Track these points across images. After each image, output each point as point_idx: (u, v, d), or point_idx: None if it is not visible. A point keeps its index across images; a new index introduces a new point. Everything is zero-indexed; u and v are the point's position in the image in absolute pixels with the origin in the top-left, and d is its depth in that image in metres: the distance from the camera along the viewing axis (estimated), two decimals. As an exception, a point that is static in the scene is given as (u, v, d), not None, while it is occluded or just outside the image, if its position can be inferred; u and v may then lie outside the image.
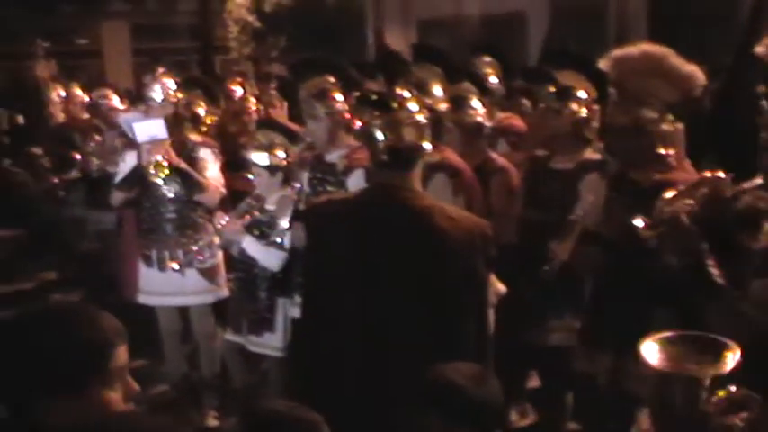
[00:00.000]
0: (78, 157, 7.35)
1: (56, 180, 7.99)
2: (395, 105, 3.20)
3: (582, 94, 4.39)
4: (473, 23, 12.57)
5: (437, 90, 4.59)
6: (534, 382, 5.07)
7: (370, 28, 13.80)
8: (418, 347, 2.92)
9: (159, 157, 4.85)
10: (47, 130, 8.67)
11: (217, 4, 14.42)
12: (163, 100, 5.18)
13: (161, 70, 5.36)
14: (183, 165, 5.04)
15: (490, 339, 3.09)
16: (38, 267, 9.29)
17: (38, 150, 8.80)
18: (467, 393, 2.43)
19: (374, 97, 3.51)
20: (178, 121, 5.22)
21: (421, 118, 3.19)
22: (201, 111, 5.52)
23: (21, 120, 11.10)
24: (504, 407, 2.62)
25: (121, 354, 1.86)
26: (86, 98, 8.20)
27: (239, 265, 4.66)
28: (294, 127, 5.18)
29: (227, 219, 4.61)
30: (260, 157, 4.64)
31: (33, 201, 9.35)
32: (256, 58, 13.63)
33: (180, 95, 5.28)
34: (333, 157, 4.49)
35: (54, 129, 8.44)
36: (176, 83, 5.35)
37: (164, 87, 5.20)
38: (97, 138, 7.33)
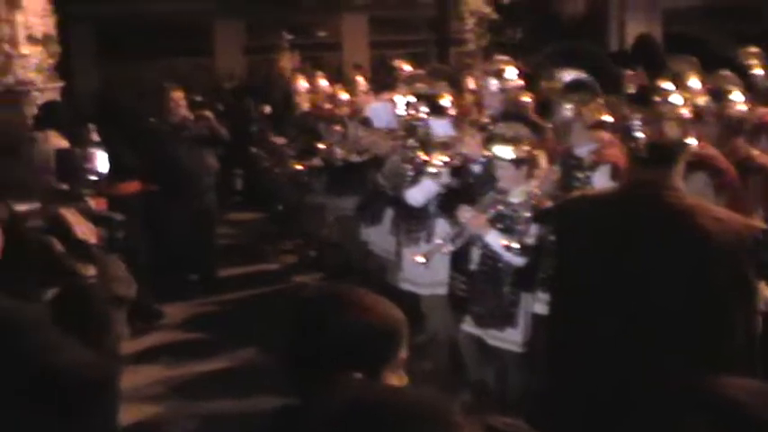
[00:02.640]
0: (321, 145, 7.58)
1: (299, 167, 8.29)
2: (656, 99, 3.03)
3: None
4: (720, 11, 11.90)
5: (694, 82, 4.35)
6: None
7: (613, 18, 13.38)
8: (680, 355, 2.76)
9: None
10: (292, 120, 9.01)
11: (454, -4, 14.52)
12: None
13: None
14: None
15: (758, 350, 2.87)
16: (280, 250, 9.72)
17: (283, 139, 9.20)
18: (751, 411, 2.18)
19: (632, 90, 3.37)
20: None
21: (685, 112, 3.01)
22: (447, 101, 5.51)
23: (267, 109, 11.62)
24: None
25: (404, 343, 1.89)
26: (330, 89, 8.49)
27: (484, 258, 4.60)
28: (539, 120, 5.07)
29: (471, 212, 4.56)
30: (504, 150, 4.55)
31: (278, 187, 9.79)
32: (492, 50, 13.58)
33: None
34: (582, 151, 4.36)
35: (299, 118, 8.77)
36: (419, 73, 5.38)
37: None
38: (339, 127, 7.54)
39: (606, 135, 4.30)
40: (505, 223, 4.46)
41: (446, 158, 4.98)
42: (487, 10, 13.94)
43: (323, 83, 8.75)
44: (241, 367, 6.28)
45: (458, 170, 5.09)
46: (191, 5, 16.21)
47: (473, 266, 4.67)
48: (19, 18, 7.79)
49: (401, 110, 5.87)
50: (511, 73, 5.24)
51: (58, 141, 4.26)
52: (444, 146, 5.14)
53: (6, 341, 2.52)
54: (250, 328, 6.83)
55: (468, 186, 5.03)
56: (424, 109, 5.45)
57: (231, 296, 8.15)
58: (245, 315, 7.45)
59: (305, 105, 8.88)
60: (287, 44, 13.76)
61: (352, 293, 1.93)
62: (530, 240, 4.35)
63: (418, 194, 5.34)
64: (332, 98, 8.26)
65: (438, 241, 4.91)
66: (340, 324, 1.84)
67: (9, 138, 4.01)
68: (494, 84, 5.18)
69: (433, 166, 4.97)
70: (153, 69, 14.55)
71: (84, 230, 3.56)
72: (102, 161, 4.03)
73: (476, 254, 4.63)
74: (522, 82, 5.26)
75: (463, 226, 4.58)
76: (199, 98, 11.43)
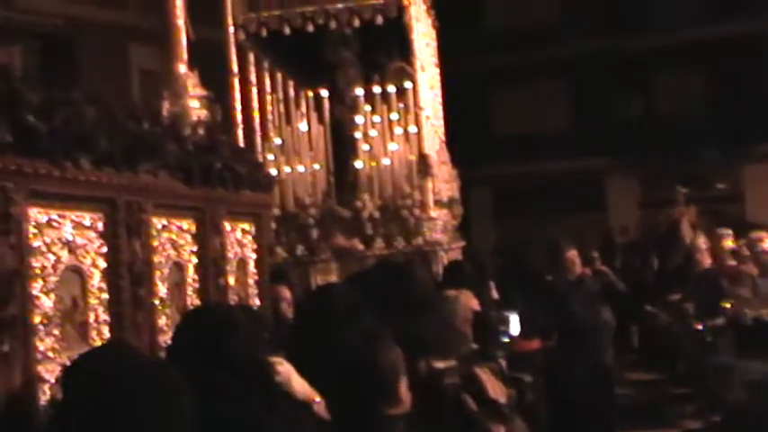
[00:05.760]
0: (727, 304, 7.24)
1: (701, 326, 7.95)
2: None
3: None
4: None
5: None
6: None
7: None
8: None
9: None
10: (692, 276, 8.72)
11: None
12: None
13: None
14: None
15: None
16: (682, 414, 9.26)
17: (680, 295, 8.91)
18: None
19: None
20: None
21: None
22: None
23: (655, 264, 11.39)
24: None
25: None
26: (733, 244, 8.16)
27: None
28: None
29: None
30: None
31: (678, 346, 9.43)
32: None
33: None
34: None
35: (700, 274, 8.46)
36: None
37: None
38: (747, 285, 7.19)
39: None
40: None
41: None
42: None
43: (725, 237, 8.41)
44: None
45: None
46: (583, 163, 16.57)
47: None
48: (429, 184, 8.42)
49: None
50: None
51: (470, 300, 4.48)
52: None
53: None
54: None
55: None
56: None
57: (631, 459, 7.86)
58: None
59: (706, 261, 8.57)
60: (682, 197, 13.46)
61: None
62: None
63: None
64: (736, 254, 7.91)
65: None
66: None
67: (427, 296, 4.31)
68: None
69: None
70: (547, 226, 14.91)
71: (496, 390, 3.67)
72: (514, 324, 4.18)
73: None
74: None
75: None
76: (594, 254, 11.48)
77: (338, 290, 4.81)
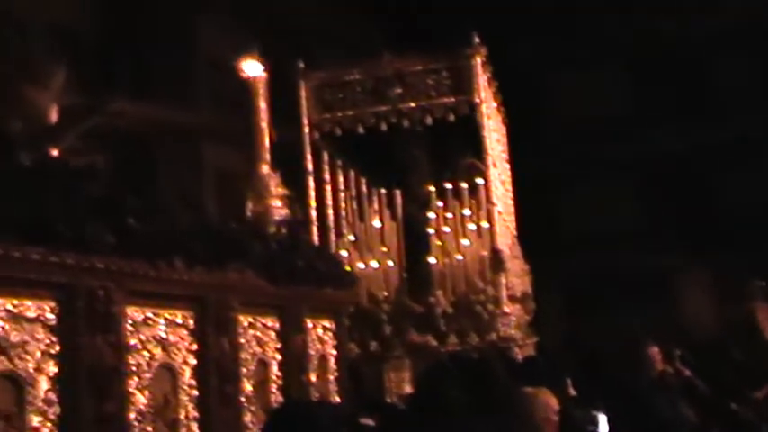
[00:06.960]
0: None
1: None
2: None
3: None
4: None
5: None
6: None
7: None
8: None
9: None
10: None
11: None
12: None
13: None
14: None
15: None
16: None
17: (761, 393, 8.63)
18: None
19: None
20: None
21: None
22: None
23: (737, 357, 11.06)
24: None
25: None
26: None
27: None
28: None
29: None
30: None
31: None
32: None
33: None
34: None
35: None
36: None
37: None
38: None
39: None
40: None
41: None
42: None
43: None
44: None
45: None
46: (654, 257, 16.35)
47: None
48: (502, 280, 8.39)
49: None
50: None
51: (548, 398, 4.41)
52: None
53: None
54: None
55: None
56: None
57: None
58: None
59: (792, 357, 8.32)
60: (760, 291, 13.13)
61: None
62: None
63: None
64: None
65: None
66: None
67: (507, 394, 4.26)
68: None
69: None
70: (619, 322, 14.65)
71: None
72: (603, 424, 4.10)
73: None
74: None
75: None
76: (677, 351, 11.23)
77: (432, 390, 4.74)
